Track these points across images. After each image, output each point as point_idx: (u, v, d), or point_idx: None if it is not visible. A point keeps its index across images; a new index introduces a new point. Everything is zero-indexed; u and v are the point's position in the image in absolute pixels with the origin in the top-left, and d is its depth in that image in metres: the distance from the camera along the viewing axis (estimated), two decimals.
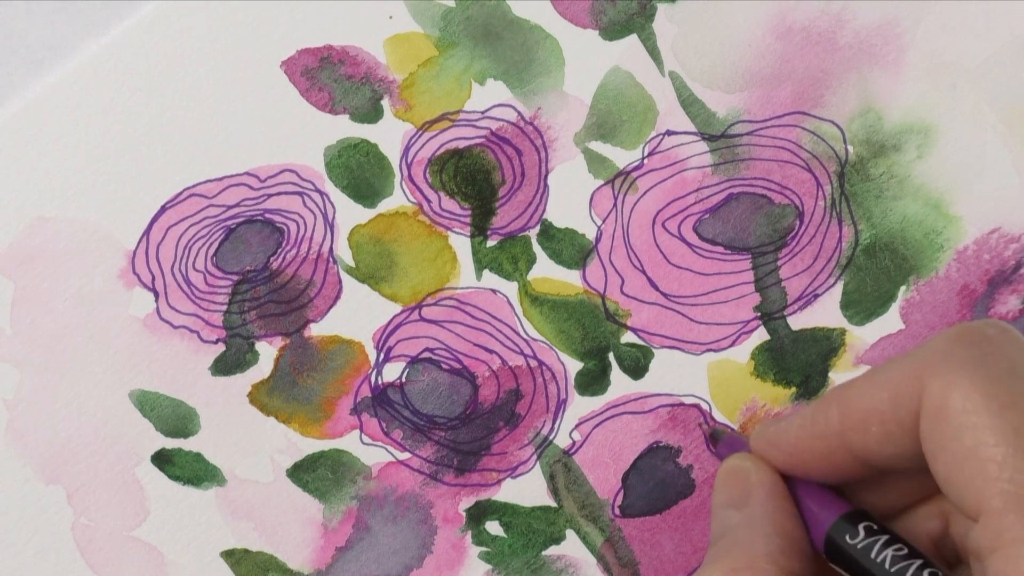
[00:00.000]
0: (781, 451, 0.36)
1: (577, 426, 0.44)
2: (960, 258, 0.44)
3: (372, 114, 0.45)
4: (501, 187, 0.44)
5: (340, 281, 0.44)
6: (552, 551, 0.43)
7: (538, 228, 0.44)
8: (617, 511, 0.43)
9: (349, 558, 0.43)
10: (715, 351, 0.44)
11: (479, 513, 0.43)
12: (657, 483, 0.43)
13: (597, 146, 0.45)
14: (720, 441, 0.40)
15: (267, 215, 0.44)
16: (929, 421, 0.31)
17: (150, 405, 0.43)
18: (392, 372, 0.44)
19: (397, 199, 0.44)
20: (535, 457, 0.43)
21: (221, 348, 0.44)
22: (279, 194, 0.44)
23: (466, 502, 0.43)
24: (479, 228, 0.44)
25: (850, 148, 0.44)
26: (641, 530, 0.43)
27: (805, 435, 0.35)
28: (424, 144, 0.44)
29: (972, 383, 0.30)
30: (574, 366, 0.44)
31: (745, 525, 0.35)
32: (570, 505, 0.43)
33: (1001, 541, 0.29)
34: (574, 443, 0.44)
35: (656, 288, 0.44)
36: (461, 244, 0.44)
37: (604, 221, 0.44)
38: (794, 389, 0.44)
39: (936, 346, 0.32)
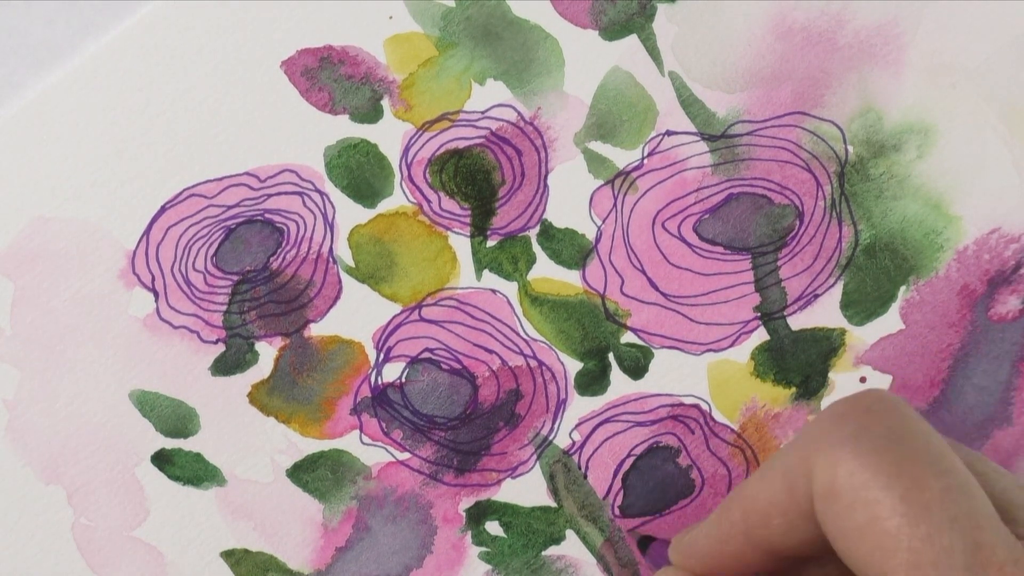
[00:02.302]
0: (697, 559, 0.36)
1: (577, 426, 0.44)
2: (960, 258, 0.44)
3: (372, 114, 0.45)
4: (501, 187, 0.44)
5: (340, 281, 0.44)
6: (552, 551, 0.43)
7: (538, 228, 0.44)
8: (617, 511, 0.43)
9: (349, 558, 0.43)
10: (715, 351, 0.44)
11: (479, 513, 0.43)
12: (657, 483, 0.43)
13: (597, 146, 0.44)
14: (648, 547, 0.41)
15: (267, 215, 0.44)
16: (822, 502, 0.31)
17: (150, 405, 0.43)
18: (392, 372, 0.44)
19: (397, 199, 0.44)
20: (535, 457, 0.43)
21: (221, 348, 0.44)
22: (279, 194, 0.44)
23: (466, 502, 0.43)
24: (479, 228, 0.44)
25: (850, 148, 0.44)
26: (641, 530, 0.43)
27: (713, 540, 0.35)
28: (424, 144, 0.44)
29: (855, 458, 0.30)
30: (574, 366, 0.44)
31: None
32: (570, 505, 0.43)
33: None
34: (574, 443, 0.44)
35: (656, 288, 0.44)
36: (461, 244, 0.44)
37: (604, 221, 0.44)
38: (794, 389, 0.44)
39: (817, 427, 0.32)
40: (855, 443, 0.31)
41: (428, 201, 0.44)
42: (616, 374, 0.44)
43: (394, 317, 0.44)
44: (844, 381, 0.44)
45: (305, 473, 0.43)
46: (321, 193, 0.44)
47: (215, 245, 0.44)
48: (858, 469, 0.30)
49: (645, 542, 0.42)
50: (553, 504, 0.43)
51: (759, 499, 0.33)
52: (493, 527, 0.43)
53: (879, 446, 0.30)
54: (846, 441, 0.31)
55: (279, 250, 0.44)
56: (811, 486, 0.31)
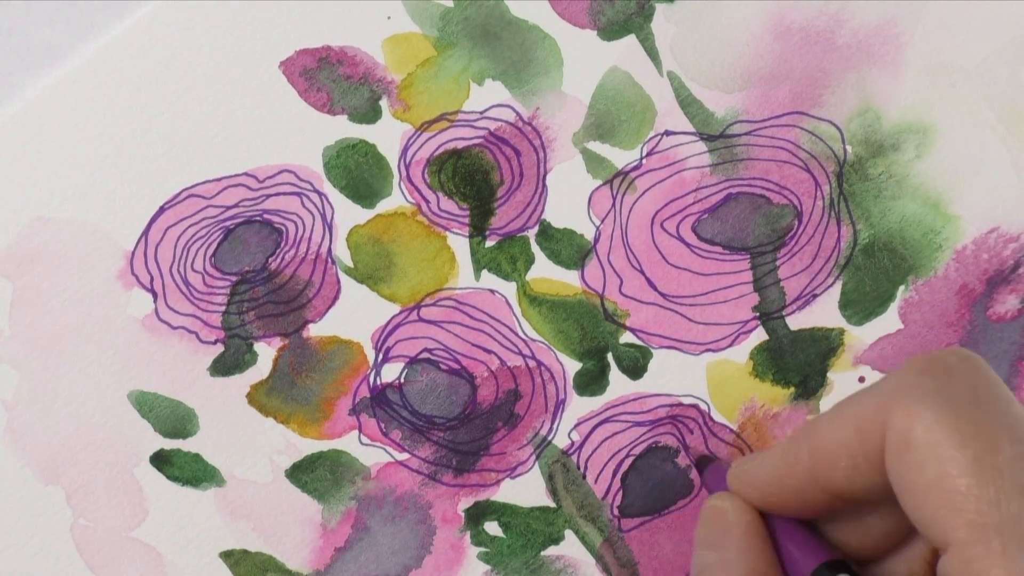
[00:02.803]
0: (755, 488, 0.36)
1: (576, 426, 0.44)
2: (959, 258, 0.44)
3: (370, 114, 0.45)
4: (500, 187, 0.44)
5: (339, 281, 0.44)
6: (551, 551, 0.43)
7: (537, 228, 0.44)
8: (616, 511, 0.43)
9: (348, 558, 0.43)
10: (714, 351, 0.44)
11: (478, 513, 0.43)
12: (656, 483, 0.43)
13: (595, 146, 0.44)
14: (705, 468, 0.40)
15: (266, 215, 0.44)
16: (894, 454, 0.31)
17: (149, 406, 0.43)
18: (391, 372, 0.44)
19: (396, 199, 0.44)
20: (534, 457, 0.43)
21: (220, 349, 0.44)
22: (278, 194, 0.44)
23: (465, 502, 0.43)
24: (478, 228, 0.44)
25: (848, 148, 0.44)
26: (640, 530, 0.43)
27: (777, 472, 0.35)
28: (423, 144, 0.44)
29: (934, 414, 0.31)
30: (573, 366, 0.44)
31: (721, 566, 0.35)
32: (569, 505, 0.43)
33: (969, 571, 0.29)
34: (573, 443, 0.44)
35: (655, 288, 0.44)
36: (460, 244, 0.44)
37: (603, 221, 0.44)
38: (792, 389, 0.44)
39: (899, 378, 0.32)
40: (935, 399, 0.31)
41: (427, 201, 0.44)
42: (615, 374, 0.44)
43: (393, 317, 0.44)
44: (843, 381, 0.44)
45: (304, 473, 0.43)
46: (320, 193, 0.44)
47: (214, 245, 0.44)
48: (935, 425, 0.30)
49: (704, 461, 0.41)
50: (552, 504, 0.43)
51: (828, 439, 0.33)
52: (492, 527, 0.43)
53: (958, 405, 0.31)
54: (926, 396, 0.31)
55: (278, 250, 0.44)
56: (884, 436, 0.32)
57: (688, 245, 0.44)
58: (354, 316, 0.44)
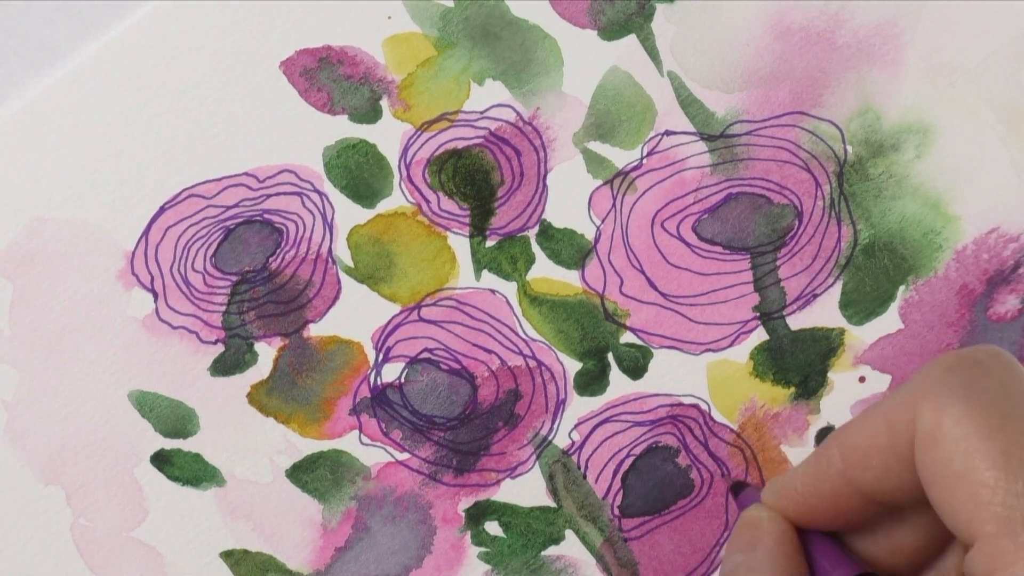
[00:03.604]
0: (790, 500, 0.36)
1: (576, 426, 0.44)
2: (959, 258, 0.44)
3: (371, 114, 0.45)
4: (500, 187, 0.44)
5: (339, 281, 0.44)
6: (551, 551, 0.43)
7: (537, 228, 0.44)
8: (616, 511, 0.43)
9: (348, 558, 0.43)
10: (714, 351, 0.44)
11: (478, 513, 0.43)
12: (656, 483, 0.43)
13: (596, 146, 0.44)
14: (741, 493, 0.40)
15: (266, 215, 0.44)
16: (922, 448, 0.31)
17: (149, 406, 0.43)
18: (391, 372, 0.44)
19: (396, 199, 0.44)
20: (534, 457, 0.43)
21: (220, 349, 0.44)
22: (278, 194, 0.44)
23: (465, 502, 0.43)
24: (478, 228, 0.44)
25: (849, 148, 0.44)
26: (640, 530, 0.43)
27: (810, 479, 0.35)
28: (423, 144, 0.44)
29: (962, 408, 0.31)
30: (573, 366, 0.44)
31: (749, 567, 0.35)
32: (569, 505, 0.43)
33: (995, 565, 0.29)
34: (573, 443, 0.44)
35: (655, 288, 0.44)
36: (460, 244, 0.44)
37: (603, 221, 0.44)
38: (793, 389, 0.44)
39: (927, 375, 0.32)
40: (963, 393, 0.31)
41: (427, 201, 0.44)
42: (615, 374, 0.44)
43: (393, 317, 0.44)
44: (843, 381, 0.44)
45: (304, 473, 0.43)
46: (320, 193, 0.44)
47: (214, 245, 0.44)
48: (963, 419, 0.30)
49: (738, 487, 0.41)
50: (552, 504, 0.43)
51: (859, 440, 0.33)
52: (492, 527, 0.43)
53: (987, 399, 0.31)
54: (954, 391, 0.31)
55: (278, 250, 0.44)
56: (913, 431, 0.32)
57: (688, 245, 0.44)
58: (354, 316, 0.44)
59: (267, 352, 0.44)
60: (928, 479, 0.31)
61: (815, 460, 0.35)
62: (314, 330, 0.44)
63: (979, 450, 0.30)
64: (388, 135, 0.44)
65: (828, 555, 0.36)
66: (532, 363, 0.44)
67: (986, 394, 0.31)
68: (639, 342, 0.44)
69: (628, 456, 0.43)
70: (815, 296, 0.44)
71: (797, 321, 0.44)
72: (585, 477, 0.43)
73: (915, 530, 0.35)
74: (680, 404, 0.44)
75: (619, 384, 0.44)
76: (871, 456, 0.33)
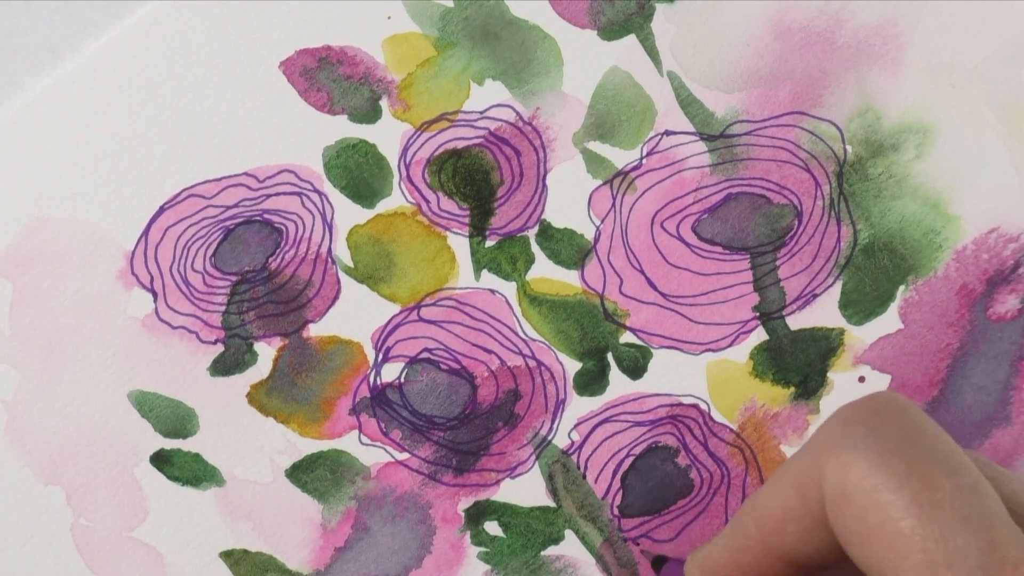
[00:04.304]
0: (713, 574, 0.36)
1: (576, 426, 0.44)
2: (959, 258, 0.44)
3: (371, 114, 0.45)
4: (500, 187, 0.44)
5: (339, 281, 0.44)
6: (551, 551, 0.43)
7: (537, 228, 0.44)
8: (616, 511, 0.43)
9: (348, 558, 0.43)
10: (714, 351, 0.44)
11: (478, 513, 0.43)
12: (656, 483, 0.43)
13: (596, 146, 0.44)
14: (663, 567, 0.40)
15: (266, 215, 0.44)
16: (834, 507, 0.31)
17: (149, 406, 0.43)
18: (391, 372, 0.44)
19: (396, 199, 0.44)
20: (534, 457, 0.43)
21: (220, 348, 0.44)
22: (278, 194, 0.44)
23: (465, 502, 0.43)
24: (478, 228, 0.44)
25: (849, 148, 0.44)
26: (640, 530, 0.43)
27: (730, 552, 0.35)
28: (423, 144, 0.44)
29: (866, 461, 0.30)
30: (573, 366, 0.44)
31: None
32: (569, 505, 0.43)
33: None
34: (573, 443, 0.44)
35: (655, 288, 0.44)
36: (460, 244, 0.44)
37: (603, 221, 0.44)
38: (793, 389, 0.44)
39: (827, 432, 0.32)
40: (865, 446, 0.31)
41: (427, 201, 0.44)
42: (615, 374, 0.44)
43: (393, 317, 0.44)
44: (843, 381, 0.44)
45: (304, 473, 0.43)
46: (320, 193, 0.44)
47: (214, 245, 0.44)
48: (869, 472, 0.30)
49: (659, 562, 0.42)
50: (552, 504, 0.43)
51: (772, 508, 0.33)
52: (492, 527, 0.43)
53: (889, 448, 0.30)
54: (856, 444, 0.31)
55: (278, 250, 0.44)
56: (823, 491, 0.31)
57: (688, 245, 0.44)
58: (354, 316, 0.44)
59: (267, 352, 0.44)
60: (845, 537, 0.31)
61: (731, 532, 0.35)
62: (314, 330, 0.44)
63: (890, 501, 0.30)
64: (388, 135, 0.44)
65: None
66: (532, 363, 0.44)
67: (888, 442, 0.30)
68: (639, 342, 0.44)
69: (628, 456, 0.43)
70: (815, 296, 0.44)
71: (797, 321, 0.44)
72: (585, 477, 0.43)
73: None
74: (680, 404, 0.44)
75: (619, 384, 0.44)
76: (786, 522, 0.33)
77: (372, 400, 0.44)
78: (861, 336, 0.44)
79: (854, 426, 0.32)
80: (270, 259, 0.44)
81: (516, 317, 0.44)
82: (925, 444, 0.31)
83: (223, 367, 0.44)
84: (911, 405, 0.32)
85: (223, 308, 0.44)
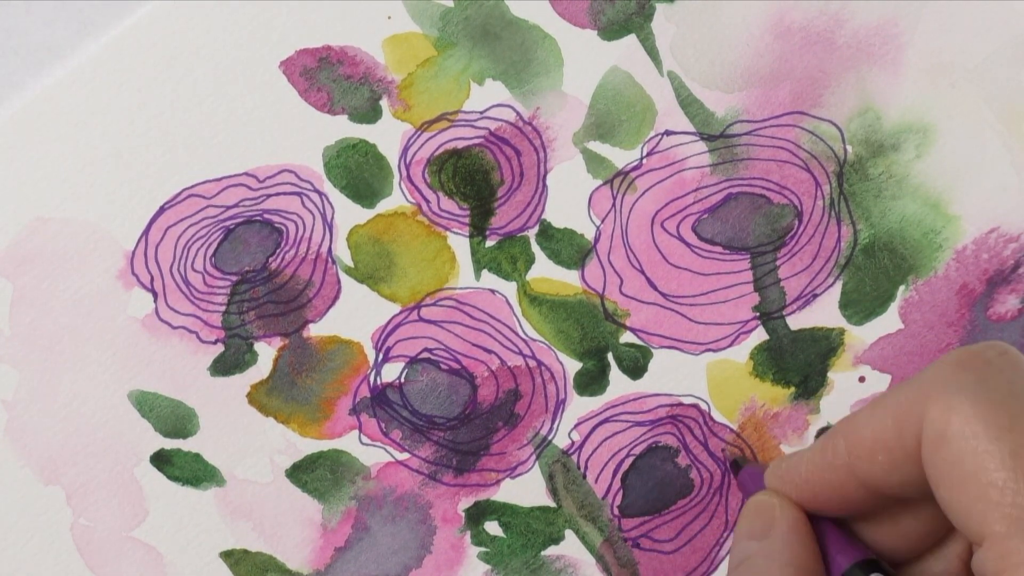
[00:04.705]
0: (794, 485, 0.36)
1: (576, 426, 0.44)
2: (959, 257, 0.44)
3: (371, 114, 0.45)
4: (500, 187, 0.44)
5: (339, 281, 0.44)
6: (551, 551, 0.43)
7: (537, 228, 0.44)
8: (616, 511, 0.43)
9: (348, 558, 0.43)
10: (714, 351, 0.44)
11: (478, 513, 0.43)
12: (656, 483, 0.43)
13: (596, 146, 0.44)
14: (741, 469, 0.40)
15: (266, 215, 0.44)
16: (930, 447, 0.31)
17: (149, 405, 0.43)
18: (391, 372, 0.44)
19: (396, 199, 0.44)
20: (534, 457, 0.43)
21: (220, 348, 0.44)
22: (278, 194, 0.44)
23: (465, 502, 0.43)
24: (478, 228, 0.44)
25: (849, 148, 0.44)
26: (640, 530, 0.43)
27: (815, 467, 0.35)
28: (423, 144, 0.44)
29: (971, 408, 0.30)
30: (573, 366, 0.44)
31: (764, 555, 0.35)
32: (569, 505, 0.43)
33: (1005, 565, 0.29)
34: (573, 443, 0.44)
35: (655, 288, 0.44)
36: (460, 244, 0.44)
37: (603, 221, 0.44)
38: (793, 389, 0.44)
39: (936, 372, 0.32)
40: (973, 393, 0.31)
41: (427, 201, 0.44)
42: (615, 374, 0.44)
43: (393, 317, 0.44)
44: (843, 381, 0.44)
45: (304, 473, 0.43)
46: (320, 193, 0.44)
47: (214, 245, 0.44)
48: (972, 419, 0.30)
49: (737, 465, 0.41)
50: (552, 504, 0.43)
51: (866, 433, 0.33)
52: (492, 527, 0.43)
53: (996, 399, 0.30)
54: (964, 389, 0.31)
55: (278, 250, 0.44)
56: (921, 429, 0.31)
57: (688, 245, 0.44)
58: (354, 316, 0.44)
59: (267, 352, 0.44)
60: (936, 478, 0.31)
61: (821, 449, 0.35)
62: (314, 330, 0.44)
63: (988, 451, 0.30)
64: (388, 135, 0.44)
65: (834, 541, 0.36)
66: (532, 363, 0.44)
67: (995, 393, 0.31)
68: (639, 342, 0.44)
69: (628, 456, 0.43)
70: (815, 296, 0.44)
71: (797, 321, 0.44)
72: (585, 477, 0.43)
73: (919, 519, 0.35)
74: (680, 404, 0.44)
75: (619, 384, 0.44)
76: (877, 451, 0.33)
77: (372, 400, 0.44)
78: (861, 336, 0.44)
79: (964, 371, 0.32)
80: (270, 259, 0.44)
81: (516, 317, 0.44)
82: None
83: (223, 367, 0.44)
84: (1023, 360, 0.32)
85: (223, 308, 0.44)
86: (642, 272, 0.44)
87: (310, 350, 0.44)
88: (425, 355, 0.44)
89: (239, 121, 0.44)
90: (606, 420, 0.44)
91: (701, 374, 0.44)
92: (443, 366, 0.44)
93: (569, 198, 0.44)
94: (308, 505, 0.43)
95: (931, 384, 0.32)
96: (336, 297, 0.44)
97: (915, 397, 0.32)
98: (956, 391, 0.31)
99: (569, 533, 0.43)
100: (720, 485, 0.43)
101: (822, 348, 0.44)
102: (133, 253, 0.44)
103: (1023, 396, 0.31)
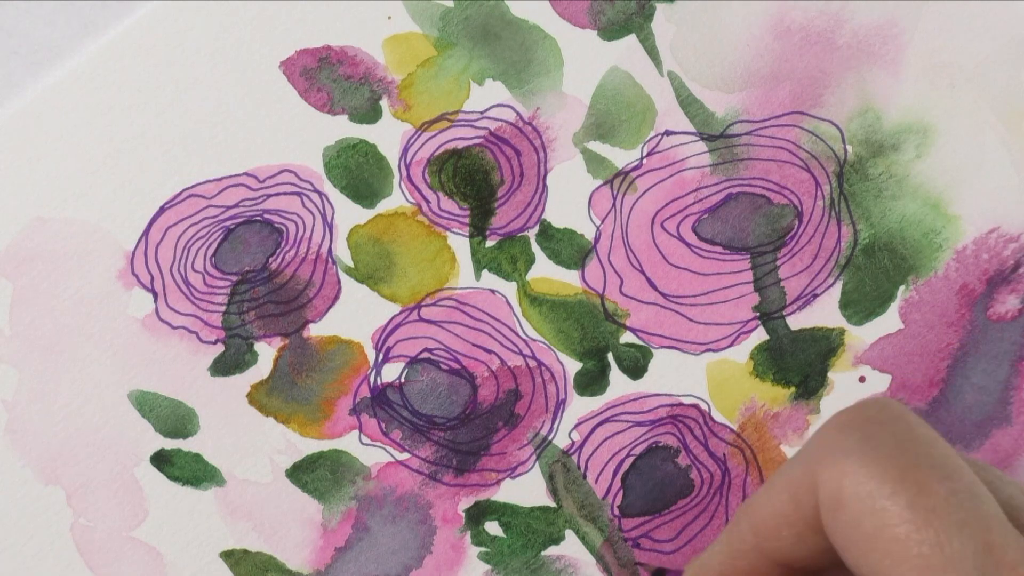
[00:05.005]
0: None
1: (576, 426, 0.44)
2: (959, 258, 0.44)
3: (371, 114, 0.45)
4: (500, 187, 0.44)
5: (339, 281, 0.44)
6: (551, 551, 0.43)
7: (537, 228, 0.44)
8: (616, 511, 0.43)
9: (348, 558, 0.43)
10: (714, 351, 0.44)
11: (478, 513, 0.43)
12: (656, 483, 0.43)
13: (596, 146, 0.44)
14: None
15: (266, 215, 0.44)
16: (829, 514, 0.31)
17: (149, 406, 0.43)
18: (391, 372, 0.44)
19: (396, 199, 0.44)
20: (534, 457, 0.43)
21: (220, 348, 0.44)
22: (278, 194, 0.44)
23: (465, 502, 0.43)
24: (478, 228, 0.44)
25: (849, 148, 0.44)
26: (640, 530, 0.43)
27: (727, 557, 0.35)
28: (423, 144, 0.44)
29: (861, 468, 0.30)
30: (573, 366, 0.44)
31: None
32: (569, 505, 0.43)
33: None
34: (573, 443, 0.44)
35: (655, 288, 0.44)
36: (460, 244, 0.44)
37: (603, 221, 0.44)
38: (793, 389, 0.44)
39: (822, 439, 0.32)
40: (859, 453, 0.31)
41: (427, 201, 0.44)
42: (615, 374, 0.44)
43: (393, 317, 0.44)
44: (843, 381, 0.44)
45: (304, 473, 0.43)
46: (320, 193, 0.44)
47: (214, 245, 0.44)
48: (863, 479, 0.30)
49: (659, 574, 0.42)
50: (552, 504, 0.43)
51: (766, 513, 0.33)
52: (492, 527, 0.43)
53: (883, 454, 0.30)
54: (850, 451, 0.31)
55: (278, 250, 0.44)
56: (817, 498, 0.31)
57: (688, 245, 0.44)
58: (354, 316, 0.44)
59: (267, 352, 0.44)
60: (841, 543, 0.31)
61: (727, 538, 0.35)
62: (314, 330, 0.44)
63: (885, 507, 0.30)
64: (388, 135, 0.44)
65: None
66: (532, 363, 0.44)
67: (882, 449, 0.30)
68: (639, 342, 0.44)
69: (628, 456, 0.43)
70: (815, 296, 0.44)
71: (797, 321, 0.44)
72: (585, 477, 0.43)
73: None
74: (680, 404, 0.44)
75: (619, 384, 0.44)
76: (780, 527, 0.33)
77: (372, 400, 0.44)
78: (861, 336, 0.44)
79: (848, 432, 0.32)
80: (270, 259, 0.44)
81: (516, 317, 0.44)
82: (919, 450, 0.31)
83: (223, 367, 0.44)
84: (905, 410, 0.32)
85: (223, 308, 0.44)
86: (642, 272, 0.44)
87: (310, 350, 0.44)
88: (425, 355, 0.44)
89: (239, 121, 0.44)
90: (606, 420, 0.44)
91: (701, 374, 0.44)
92: (443, 366, 0.44)
93: (569, 198, 0.44)
94: (308, 505, 0.43)
95: (819, 451, 0.32)
96: (336, 297, 0.44)
97: (806, 467, 0.32)
98: (844, 454, 0.31)
99: (569, 533, 0.43)
100: (720, 485, 0.43)
101: (822, 348, 0.44)
102: (133, 253, 0.44)
103: (910, 448, 0.31)
